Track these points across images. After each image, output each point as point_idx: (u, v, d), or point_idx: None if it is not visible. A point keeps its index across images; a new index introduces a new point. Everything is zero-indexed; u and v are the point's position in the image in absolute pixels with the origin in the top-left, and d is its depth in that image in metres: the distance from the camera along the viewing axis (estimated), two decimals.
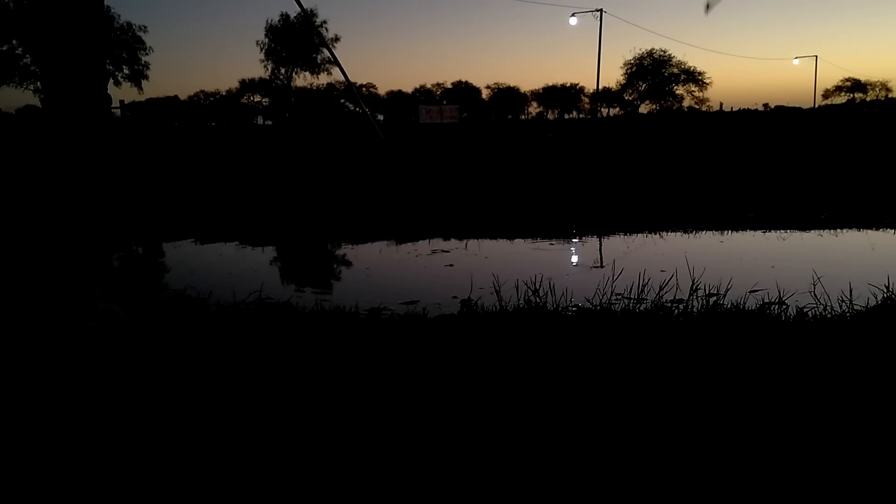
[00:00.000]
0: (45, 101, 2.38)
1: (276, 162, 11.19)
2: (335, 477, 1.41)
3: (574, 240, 4.75)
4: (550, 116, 71.41)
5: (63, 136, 2.35)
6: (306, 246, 4.99)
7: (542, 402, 1.72)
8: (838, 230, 4.78)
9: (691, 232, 4.88)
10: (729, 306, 2.57)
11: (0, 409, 1.75)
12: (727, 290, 2.83)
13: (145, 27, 51.22)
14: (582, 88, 71.82)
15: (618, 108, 61.16)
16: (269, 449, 1.52)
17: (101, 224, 2.49)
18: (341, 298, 3.00)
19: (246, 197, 7.07)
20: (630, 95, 59.64)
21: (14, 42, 41.86)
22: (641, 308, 2.59)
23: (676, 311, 2.54)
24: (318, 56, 57.58)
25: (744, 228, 4.94)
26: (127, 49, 47.07)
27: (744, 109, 55.16)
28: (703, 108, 56.39)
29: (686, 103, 57.80)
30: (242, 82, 63.17)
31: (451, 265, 3.88)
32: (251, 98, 64.11)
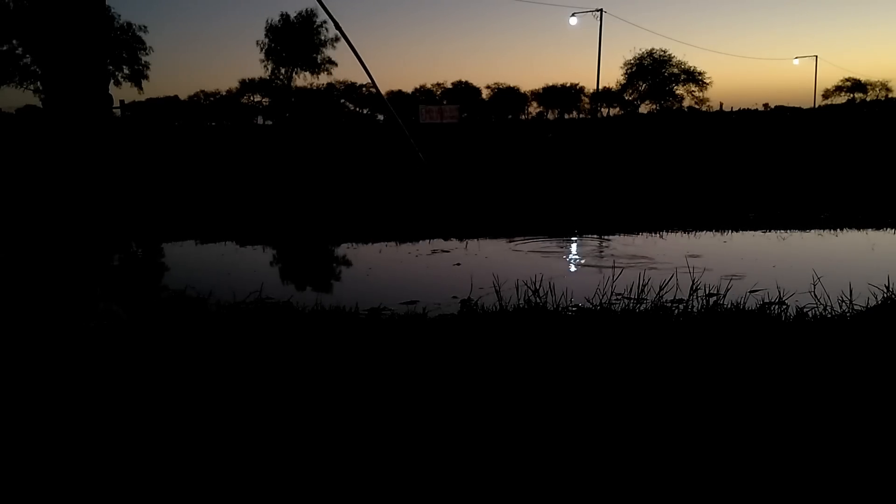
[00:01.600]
0: (46, 102, 2.38)
1: (276, 162, 11.20)
2: (335, 477, 1.41)
3: (574, 239, 4.75)
4: (550, 116, 71.45)
5: (65, 136, 2.36)
6: (306, 246, 4.99)
7: (542, 403, 1.72)
8: (838, 230, 4.78)
9: (691, 232, 4.88)
10: (729, 306, 2.57)
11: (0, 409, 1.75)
12: (727, 290, 2.83)
13: (145, 27, 51.24)
14: (582, 88, 71.89)
15: (618, 108, 61.20)
16: (269, 449, 1.52)
17: (101, 224, 2.49)
18: (341, 298, 3.00)
19: (246, 197, 7.07)
20: (630, 95, 59.70)
21: (14, 42, 41.88)
22: (641, 308, 2.59)
23: (676, 311, 2.54)
24: (318, 56, 57.62)
25: (744, 228, 4.94)
26: (127, 49, 47.13)
27: (744, 109, 55.16)
28: (703, 108, 56.45)
29: (686, 103, 57.87)
30: (242, 82, 63.25)
31: (459, 264, 3.88)
32: (251, 98, 64.17)
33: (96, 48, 2.37)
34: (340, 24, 2.95)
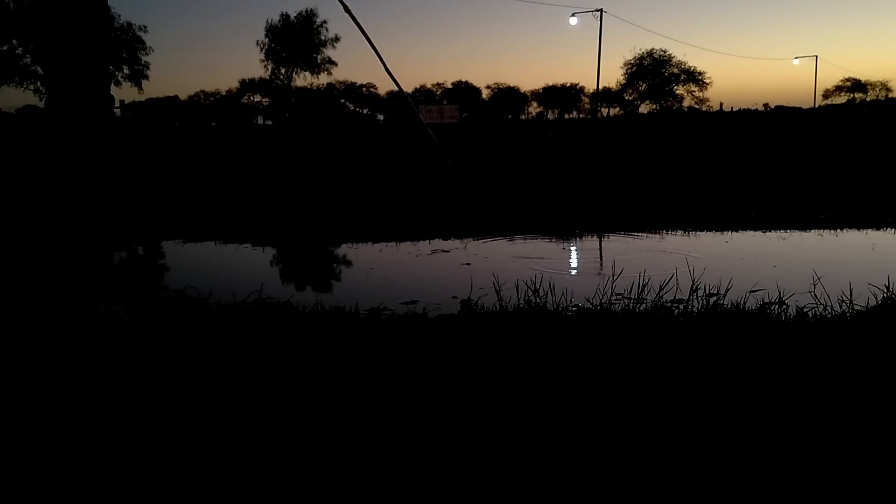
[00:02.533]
0: (48, 102, 2.38)
1: (276, 162, 11.20)
2: (335, 478, 1.41)
3: (574, 239, 4.75)
4: (550, 116, 71.39)
5: (66, 136, 2.36)
6: (306, 246, 4.99)
7: (542, 403, 1.72)
8: (838, 230, 4.78)
9: (691, 232, 4.88)
10: (729, 306, 2.57)
11: (1, 408, 1.75)
12: (727, 290, 2.83)
13: (145, 27, 51.19)
14: (582, 88, 71.86)
15: (618, 108, 61.20)
16: (270, 449, 1.52)
17: (102, 224, 2.49)
18: (341, 298, 3.00)
19: (246, 197, 7.07)
20: (630, 95, 59.70)
21: (14, 42, 41.87)
22: (641, 308, 2.59)
23: (676, 311, 2.54)
24: (318, 56, 57.65)
25: (744, 228, 4.94)
26: (127, 49, 47.11)
27: (744, 109, 55.11)
28: (703, 108, 56.43)
29: (686, 103, 57.87)
30: (242, 82, 63.25)
31: (469, 264, 3.88)
32: (251, 98, 64.16)
33: (98, 48, 2.37)
34: (349, 6, 2.93)
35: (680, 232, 4.88)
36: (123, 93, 49.39)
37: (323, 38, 56.91)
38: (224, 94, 65.58)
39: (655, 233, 4.84)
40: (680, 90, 57.89)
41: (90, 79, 2.35)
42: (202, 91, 69.64)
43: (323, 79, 61.56)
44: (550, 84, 72.64)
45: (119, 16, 46.68)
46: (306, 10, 56.68)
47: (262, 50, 57.75)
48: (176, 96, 65.54)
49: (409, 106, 3.95)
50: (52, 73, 2.33)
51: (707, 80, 57.91)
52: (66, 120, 2.34)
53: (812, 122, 24.47)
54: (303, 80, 60.32)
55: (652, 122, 32.59)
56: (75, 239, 2.41)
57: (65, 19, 2.28)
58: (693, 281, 2.92)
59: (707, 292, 2.82)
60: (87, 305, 2.37)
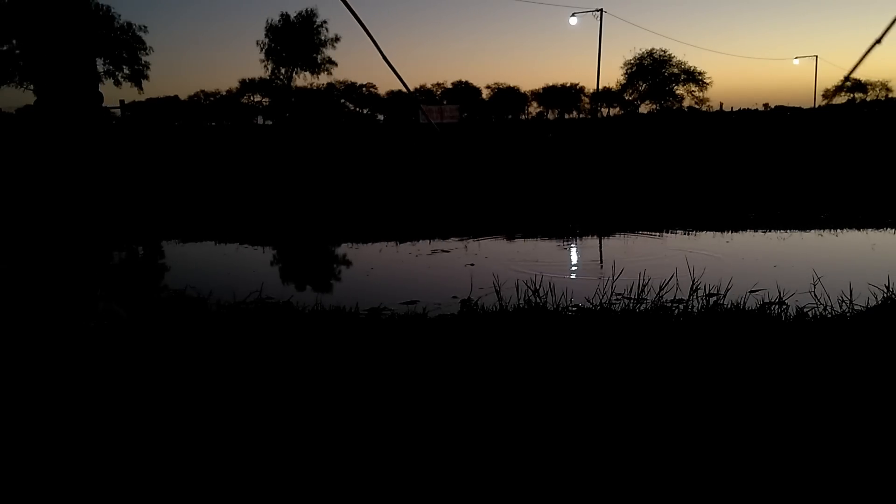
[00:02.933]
0: (37, 101, 2.37)
1: (276, 162, 11.19)
2: (335, 477, 1.41)
3: (574, 239, 4.75)
4: (550, 116, 71.30)
5: (55, 133, 2.35)
6: (306, 246, 4.99)
7: (542, 403, 1.71)
8: (838, 230, 4.78)
9: (691, 232, 4.88)
10: (729, 306, 2.57)
11: (1, 408, 1.75)
12: (727, 290, 2.83)
13: (145, 27, 51.00)
14: (582, 88, 71.74)
15: (618, 108, 61.13)
16: (270, 449, 1.51)
17: (101, 224, 2.49)
18: (341, 298, 3.00)
19: (246, 197, 7.07)
20: (630, 95, 59.61)
21: (14, 42, 41.85)
22: (641, 308, 2.59)
23: (676, 311, 2.54)
24: (318, 56, 57.63)
25: (744, 228, 4.94)
26: (127, 49, 47.02)
27: (744, 109, 54.97)
28: (703, 108, 56.34)
29: (686, 103, 57.77)
30: (242, 82, 63.14)
31: (473, 265, 3.87)
32: (251, 98, 64.07)
33: (81, 45, 2.36)
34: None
35: (680, 232, 4.87)
36: (123, 93, 49.20)
37: (323, 38, 56.85)
38: (224, 94, 65.51)
39: (655, 233, 4.84)
40: (680, 90, 57.82)
41: (76, 76, 2.34)
42: (202, 91, 69.50)
43: (323, 79, 61.48)
44: (550, 84, 72.53)
45: (119, 16, 46.58)
46: (306, 10, 56.63)
47: (262, 50, 57.66)
48: (176, 96, 65.45)
49: (411, 98, 3.98)
50: (38, 71, 2.32)
51: (707, 80, 57.83)
52: (54, 118, 2.33)
53: (812, 122, 24.44)
54: (303, 80, 60.26)
55: (652, 122, 32.55)
56: (74, 238, 2.41)
57: (46, 17, 2.27)
58: (693, 281, 2.92)
59: (707, 292, 2.82)
60: (87, 305, 2.37)
